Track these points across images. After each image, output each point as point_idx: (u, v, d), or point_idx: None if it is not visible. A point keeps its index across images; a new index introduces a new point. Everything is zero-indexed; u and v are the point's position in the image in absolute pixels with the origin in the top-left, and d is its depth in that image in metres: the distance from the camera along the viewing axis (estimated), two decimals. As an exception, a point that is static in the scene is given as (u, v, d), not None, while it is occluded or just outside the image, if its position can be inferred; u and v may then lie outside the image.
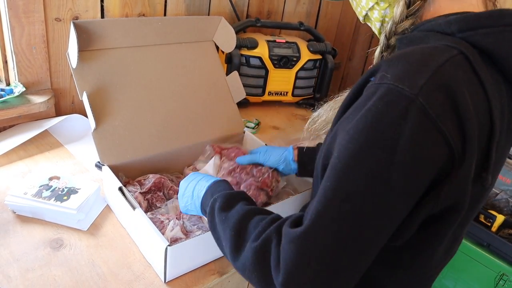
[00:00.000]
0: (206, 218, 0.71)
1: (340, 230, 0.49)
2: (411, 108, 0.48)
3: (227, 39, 1.15)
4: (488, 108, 0.54)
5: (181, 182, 0.79)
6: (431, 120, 0.48)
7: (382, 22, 0.66)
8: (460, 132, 0.50)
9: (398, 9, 0.60)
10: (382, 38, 0.63)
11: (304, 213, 0.55)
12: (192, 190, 0.75)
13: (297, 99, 1.55)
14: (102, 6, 1.21)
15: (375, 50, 0.64)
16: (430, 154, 0.49)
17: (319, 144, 0.96)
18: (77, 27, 0.89)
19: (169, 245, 0.74)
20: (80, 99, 0.93)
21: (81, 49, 0.93)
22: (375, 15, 0.67)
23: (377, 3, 0.65)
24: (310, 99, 1.58)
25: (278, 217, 0.60)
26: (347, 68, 2.25)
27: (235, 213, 0.62)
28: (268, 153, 0.98)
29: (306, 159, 0.95)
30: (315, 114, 0.71)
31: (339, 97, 0.70)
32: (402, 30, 0.60)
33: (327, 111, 0.69)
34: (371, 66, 0.67)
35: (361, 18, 0.70)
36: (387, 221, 0.51)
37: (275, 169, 0.98)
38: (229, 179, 0.96)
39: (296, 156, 0.95)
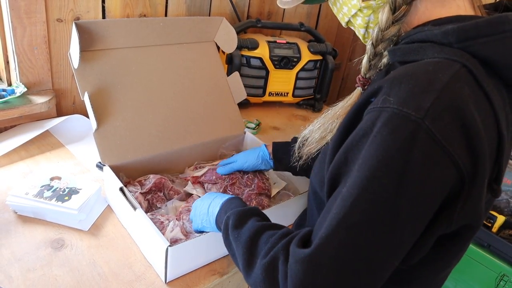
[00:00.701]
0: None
1: (345, 257, 0.49)
2: (417, 133, 0.47)
3: (228, 39, 1.15)
4: (495, 121, 0.52)
5: (196, 202, 0.81)
6: (439, 144, 0.47)
7: (367, 28, 0.64)
8: (470, 152, 0.49)
9: (383, 16, 0.58)
10: (368, 46, 0.61)
11: (311, 230, 0.55)
12: (207, 207, 0.76)
13: (297, 99, 1.55)
14: (103, 7, 1.21)
15: (362, 59, 0.63)
16: (439, 178, 0.48)
17: (294, 138, 0.95)
18: (79, 28, 0.90)
19: (169, 246, 0.74)
20: (82, 99, 0.93)
21: (83, 50, 0.94)
22: (359, 22, 0.65)
23: (360, 10, 0.63)
24: (311, 100, 1.58)
25: (288, 232, 0.60)
26: (348, 68, 2.25)
27: (246, 230, 0.62)
28: (244, 158, 1.00)
29: (281, 155, 0.97)
30: (305, 132, 0.70)
31: (325, 116, 0.68)
32: (389, 36, 0.58)
33: (317, 130, 0.67)
34: (359, 89, 0.66)
35: (343, 24, 0.68)
36: (394, 249, 0.50)
37: (259, 171, 1.00)
38: None
39: (271, 153, 0.98)
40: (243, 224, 0.64)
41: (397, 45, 0.59)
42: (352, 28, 0.68)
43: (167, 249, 0.74)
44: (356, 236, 0.48)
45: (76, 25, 0.89)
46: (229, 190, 0.98)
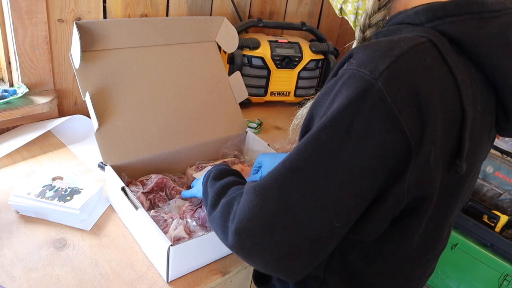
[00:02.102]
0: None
1: (286, 197, 0.52)
2: (369, 92, 0.49)
3: (230, 39, 1.15)
4: (458, 95, 0.54)
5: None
6: (388, 106, 0.49)
7: (356, 14, 0.68)
8: (418, 120, 0.50)
9: (369, 2, 0.62)
10: (357, 32, 0.65)
11: None
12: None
13: (299, 99, 1.55)
14: (104, 7, 1.21)
15: (352, 44, 0.66)
16: (383, 138, 0.50)
17: None
18: (80, 28, 0.90)
19: (171, 245, 0.74)
20: (83, 99, 0.93)
21: (84, 50, 0.94)
22: (349, 8, 0.68)
23: None
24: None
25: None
26: (350, 68, 2.25)
27: (223, 182, 0.68)
28: (271, 161, 0.98)
29: None
30: (299, 113, 0.73)
31: (313, 98, 0.71)
32: (376, 22, 0.62)
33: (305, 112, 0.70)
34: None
35: (337, 12, 0.72)
36: (333, 204, 0.51)
37: None
38: None
39: None
40: (222, 177, 0.70)
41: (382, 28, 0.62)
42: (345, 18, 0.72)
43: (168, 248, 0.74)
44: (298, 178, 0.51)
45: (77, 25, 0.89)
46: None
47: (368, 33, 0.63)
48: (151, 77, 1.04)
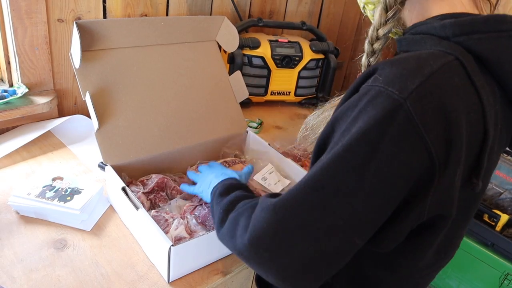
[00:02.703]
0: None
1: (307, 215, 0.51)
2: (397, 112, 0.48)
3: (230, 38, 1.15)
4: (482, 115, 0.53)
5: (204, 169, 0.88)
6: (415, 127, 0.48)
7: (363, 8, 0.68)
8: (445, 141, 0.50)
9: (376, 14, 0.61)
10: (366, 45, 0.64)
11: None
12: (209, 183, 0.81)
13: (299, 98, 1.55)
14: (104, 7, 1.21)
15: (362, 57, 0.65)
16: (409, 159, 0.49)
17: None
18: (80, 27, 0.89)
19: (172, 245, 0.73)
20: (83, 99, 0.93)
21: (84, 49, 0.93)
22: (368, 14, 0.69)
23: (366, 3, 0.67)
24: (313, 99, 1.58)
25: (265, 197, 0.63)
26: (350, 67, 2.25)
27: (229, 197, 0.68)
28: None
29: None
30: (308, 120, 0.72)
31: (330, 103, 0.70)
32: (383, 34, 0.61)
33: (320, 117, 0.69)
34: (362, 71, 0.68)
35: (361, 9, 0.71)
36: (355, 221, 0.51)
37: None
38: None
39: None
40: (228, 193, 0.70)
41: (404, 35, 0.62)
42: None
43: (169, 248, 0.73)
44: (320, 198, 0.51)
45: (77, 25, 0.89)
46: None
47: (376, 46, 0.62)
48: (151, 77, 1.04)
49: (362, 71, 0.65)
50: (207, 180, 0.82)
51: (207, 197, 0.80)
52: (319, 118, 0.70)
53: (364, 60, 0.64)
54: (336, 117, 0.55)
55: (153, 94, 1.03)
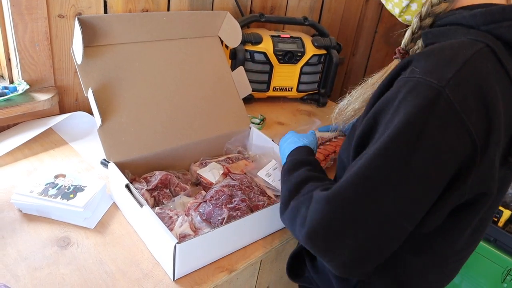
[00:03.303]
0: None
1: (358, 204, 0.54)
2: (437, 100, 0.51)
3: (233, 34, 1.14)
4: None
5: (288, 136, 0.91)
6: (456, 112, 0.51)
7: (410, 1, 0.68)
8: (485, 123, 0.52)
9: None
10: (416, 19, 0.66)
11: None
12: (285, 146, 0.85)
13: (301, 94, 1.54)
14: (105, 2, 1.19)
15: (405, 31, 0.67)
16: (452, 144, 0.52)
17: None
18: (82, 23, 0.88)
19: (177, 243, 0.73)
20: (85, 95, 0.92)
21: (86, 45, 0.92)
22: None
23: None
24: (315, 95, 1.57)
25: (329, 183, 0.65)
26: (351, 63, 2.24)
27: (296, 176, 0.70)
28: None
29: None
30: (343, 103, 0.73)
31: (363, 86, 0.71)
32: (438, 12, 0.63)
33: (355, 100, 0.71)
34: (397, 60, 0.70)
35: None
36: (404, 208, 0.54)
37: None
38: None
39: None
40: (295, 170, 0.72)
41: (432, 27, 0.64)
42: (383, 1, 0.73)
43: (175, 246, 0.73)
44: (370, 187, 0.53)
45: (79, 20, 0.88)
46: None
47: (426, 21, 0.64)
48: (153, 73, 1.03)
49: (403, 44, 0.68)
50: (285, 142, 0.88)
51: (283, 156, 0.85)
52: (353, 100, 0.71)
53: (408, 34, 0.66)
54: (377, 110, 0.57)
55: (155, 90, 1.02)
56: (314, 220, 0.56)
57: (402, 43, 0.68)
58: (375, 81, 0.69)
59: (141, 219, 0.83)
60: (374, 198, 0.53)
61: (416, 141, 0.51)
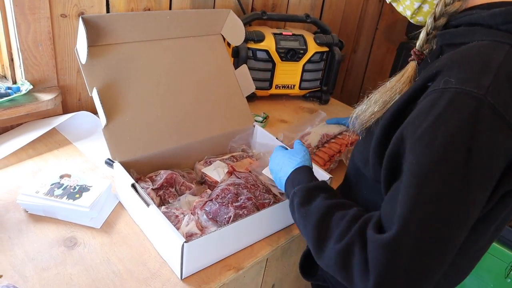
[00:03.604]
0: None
1: (427, 233, 0.52)
2: (481, 108, 0.50)
3: (236, 32, 1.14)
4: None
5: (272, 158, 0.85)
6: (501, 117, 0.51)
7: (423, 2, 0.67)
8: None
9: None
10: (430, 20, 0.65)
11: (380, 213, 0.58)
12: (278, 171, 0.80)
13: (304, 92, 1.54)
14: (107, 1, 1.19)
15: (418, 34, 0.66)
16: (502, 147, 0.51)
17: None
18: (86, 22, 0.88)
19: (185, 242, 0.73)
20: (90, 95, 0.92)
21: (90, 45, 0.92)
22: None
23: None
24: (317, 92, 1.56)
25: (358, 214, 0.61)
26: (352, 60, 2.23)
27: (315, 209, 0.65)
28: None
29: None
30: (361, 107, 0.71)
31: (381, 89, 0.69)
32: (451, 12, 0.62)
33: (373, 104, 0.68)
34: (413, 62, 0.67)
35: None
36: (469, 215, 0.53)
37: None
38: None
39: None
40: (311, 201, 0.67)
41: (446, 27, 0.63)
42: (393, 4, 0.72)
43: (183, 245, 0.73)
44: (433, 213, 0.51)
45: (83, 19, 0.87)
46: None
47: (441, 21, 0.63)
48: (157, 72, 1.03)
49: (418, 46, 0.67)
50: (276, 165, 0.82)
51: (280, 184, 0.80)
52: (371, 103, 0.70)
53: (423, 35, 0.66)
54: (408, 126, 0.55)
55: (159, 89, 1.02)
56: (384, 270, 0.52)
57: (417, 44, 0.67)
58: (393, 84, 0.67)
59: (147, 218, 0.83)
60: (440, 223, 0.51)
61: (468, 152, 0.50)
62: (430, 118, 0.52)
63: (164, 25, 1.03)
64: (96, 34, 0.93)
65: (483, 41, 0.56)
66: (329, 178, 0.98)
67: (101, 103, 0.89)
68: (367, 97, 0.72)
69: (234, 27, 1.13)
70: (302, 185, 0.71)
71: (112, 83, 0.95)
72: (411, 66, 0.68)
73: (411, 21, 0.72)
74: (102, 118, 0.90)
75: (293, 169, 0.77)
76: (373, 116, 0.68)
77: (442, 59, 0.57)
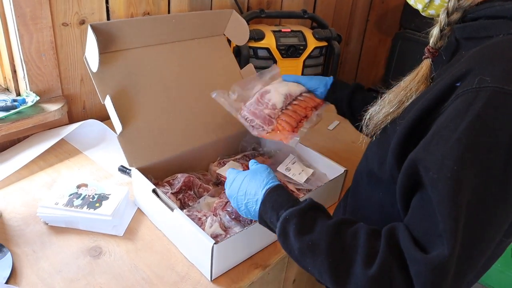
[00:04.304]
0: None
1: (468, 246, 0.50)
2: None
3: (240, 31, 1.14)
4: None
5: (231, 181, 0.75)
6: None
7: None
8: None
9: None
10: (443, 16, 0.62)
11: (406, 225, 0.55)
12: (242, 196, 0.71)
13: (305, 87, 1.54)
14: (107, 8, 1.18)
15: (432, 30, 0.64)
16: None
17: (356, 85, 0.98)
18: (95, 30, 0.87)
19: (215, 244, 0.73)
20: (102, 103, 0.91)
21: (99, 52, 0.91)
22: None
23: None
24: (318, 87, 1.58)
25: (370, 228, 0.58)
26: (345, 53, 2.25)
27: (321, 234, 0.58)
28: (310, 78, 1.02)
29: (338, 94, 0.98)
30: (374, 108, 0.68)
31: (395, 90, 0.67)
32: (466, 6, 0.60)
33: (387, 104, 0.66)
34: (428, 60, 0.65)
35: None
36: (503, 224, 0.52)
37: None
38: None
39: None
40: (311, 227, 0.59)
41: (463, 20, 0.61)
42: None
43: (212, 247, 0.73)
44: (475, 220, 0.49)
45: (92, 27, 0.87)
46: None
47: (453, 17, 0.61)
48: (166, 75, 1.02)
49: (431, 43, 0.64)
50: (241, 189, 0.72)
51: (248, 213, 0.71)
52: (385, 104, 0.67)
53: (436, 31, 0.63)
54: (439, 128, 0.52)
55: (169, 92, 1.02)
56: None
57: (431, 41, 0.64)
58: (408, 83, 0.65)
59: (171, 222, 0.83)
60: (484, 229, 0.50)
61: (508, 153, 0.48)
62: (467, 119, 0.49)
63: (170, 29, 1.03)
64: (104, 41, 0.92)
65: (509, 35, 0.54)
66: (344, 171, 0.99)
67: (115, 110, 0.89)
68: (380, 97, 0.70)
69: (237, 27, 1.13)
70: (291, 209, 0.62)
71: (123, 89, 0.95)
72: (425, 64, 0.65)
73: (423, 14, 0.71)
74: (117, 126, 0.90)
75: (266, 190, 0.68)
76: (388, 116, 0.65)
77: (471, 56, 0.54)
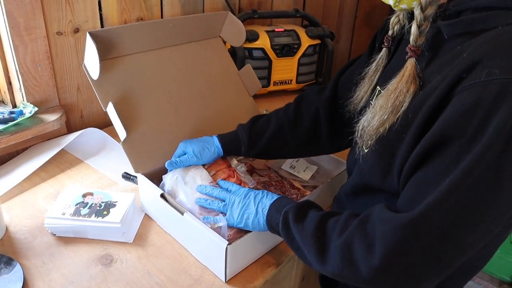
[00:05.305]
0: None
1: (451, 223, 0.50)
2: None
3: (235, 33, 1.14)
4: None
5: (233, 199, 0.79)
6: None
7: None
8: None
9: None
10: (417, 11, 0.59)
11: (387, 205, 0.56)
12: (255, 207, 0.76)
13: (301, 85, 1.55)
14: (101, 15, 1.17)
15: (411, 27, 0.60)
16: None
17: (240, 125, 0.95)
18: (94, 37, 0.87)
19: (228, 244, 0.73)
20: (104, 110, 0.91)
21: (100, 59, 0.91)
22: None
23: None
24: (313, 84, 1.59)
25: (351, 213, 0.62)
26: (335, 50, 2.26)
27: (310, 221, 0.64)
28: (198, 154, 0.91)
29: (232, 149, 0.94)
30: (365, 118, 0.65)
31: (384, 94, 0.63)
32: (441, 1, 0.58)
33: (379, 111, 0.62)
34: (412, 60, 0.61)
35: None
36: (499, 211, 0.51)
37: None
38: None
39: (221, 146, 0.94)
40: (304, 216, 0.66)
41: (446, 15, 0.59)
42: None
43: (226, 247, 0.73)
44: (465, 201, 0.49)
45: (91, 34, 0.86)
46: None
47: (429, 10, 0.58)
48: (165, 80, 1.02)
49: (412, 41, 0.61)
50: (248, 203, 0.77)
51: (256, 222, 0.75)
52: (377, 111, 0.63)
53: (414, 29, 0.59)
54: (446, 123, 0.52)
55: (169, 96, 1.01)
56: (393, 246, 0.51)
57: (411, 40, 0.61)
58: (395, 86, 0.62)
59: (182, 226, 0.83)
60: (469, 211, 0.50)
61: None
62: (479, 114, 0.49)
63: (167, 33, 1.03)
64: (102, 48, 0.92)
65: (509, 25, 0.53)
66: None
67: (118, 117, 0.88)
68: (370, 105, 0.67)
69: (233, 28, 1.13)
70: (291, 204, 0.69)
71: (124, 95, 0.94)
72: (410, 64, 0.62)
73: (395, 9, 0.67)
74: (121, 132, 0.89)
75: (273, 200, 0.74)
76: (384, 124, 0.62)
77: (476, 48, 0.53)
